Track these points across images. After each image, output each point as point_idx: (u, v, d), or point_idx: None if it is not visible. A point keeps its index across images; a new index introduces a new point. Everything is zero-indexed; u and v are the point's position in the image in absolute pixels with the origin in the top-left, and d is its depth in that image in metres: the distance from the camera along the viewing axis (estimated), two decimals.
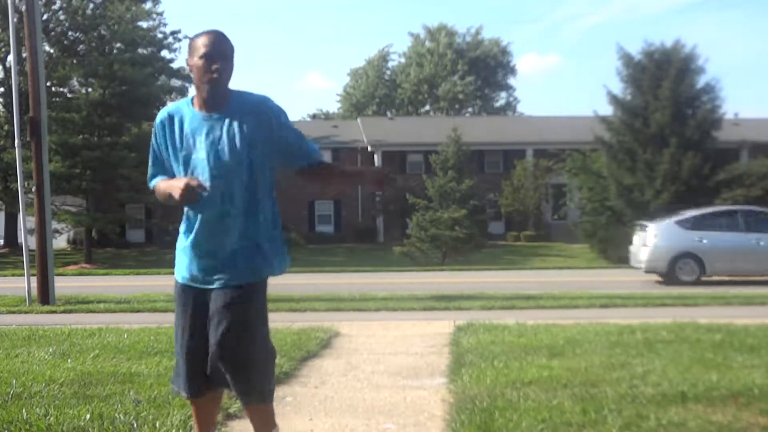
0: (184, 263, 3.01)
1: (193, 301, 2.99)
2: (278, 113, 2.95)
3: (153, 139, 3.03)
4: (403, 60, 60.56)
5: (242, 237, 2.92)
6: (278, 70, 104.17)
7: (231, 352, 2.87)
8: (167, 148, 2.98)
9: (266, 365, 2.99)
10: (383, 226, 35.99)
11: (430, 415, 4.26)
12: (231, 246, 2.92)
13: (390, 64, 61.59)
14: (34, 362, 5.63)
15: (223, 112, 2.91)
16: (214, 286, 2.94)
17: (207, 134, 2.90)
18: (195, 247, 2.96)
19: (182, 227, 3.03)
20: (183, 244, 3.01)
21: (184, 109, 2.97)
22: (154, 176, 3.07)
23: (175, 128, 2.95)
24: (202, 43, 2.88)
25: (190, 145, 2.92)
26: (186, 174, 2.92)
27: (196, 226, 2.94)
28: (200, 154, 2.89)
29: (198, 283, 2.98)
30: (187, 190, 2.80)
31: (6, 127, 31.31)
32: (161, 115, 3.01)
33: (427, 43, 58.95)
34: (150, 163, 3.07)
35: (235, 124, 2.89)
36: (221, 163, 2.88)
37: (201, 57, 2.86)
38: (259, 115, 2.92)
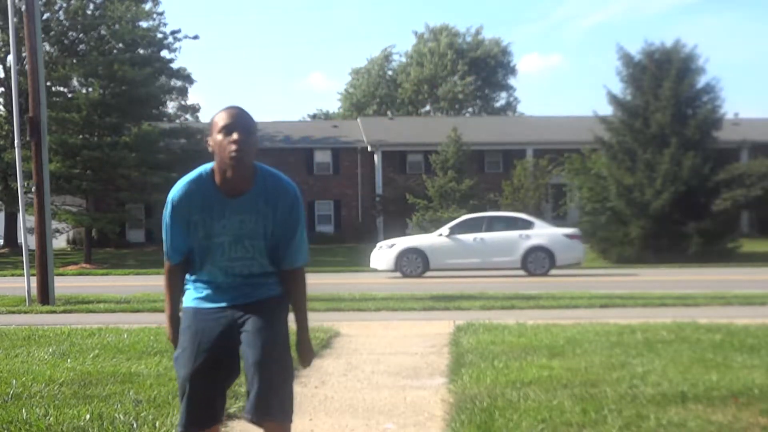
0: (197, 296, 2.93)
1: (206, 322, 2.84)
2: (299, 206, 2.86)
3: (170, 212, 2.83)
4: (404, 60, 60.57)
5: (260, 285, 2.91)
6: (280, 70, 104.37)
7: (276, 359, 2.75)
8: (187, 223, 2.83)
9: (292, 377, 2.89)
10: (383, 226, 35.98)
11: (430, 415, 4.26)
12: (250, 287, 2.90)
13: (392, 64, 61.60)
14: (34, 362, 5.63)
15: (246, 195, 2.79)
16: (240, 302, 2.86)
17: (229, 217, 2.78)
18: (212, 291, 2.91)
19: (194, 285, 2.93)
20: (196, 295, 2.92)
21: (205, 185, 2.81)
22: (174, 252, 2.88)
23: (195, 205, 2.81)
24: (221, 118, 2.74)
25: (209, 227, 2.80)
26: (205, 251, 2.83)
27: (217, 285, 2.89)
28: (219, 239, 2.80)
29: (217, 303, 2.87)
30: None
31: (6, 127, 31.31)
32: (181, 189, 2.82)
33: (429, 43, 58.92)
34: (166, 239, 2.88)
35: (259, 208, 2.79)
36: (242, 247, 2.81)
37: (220, 131, 2.71)
38: (284, 199, 2.82)
